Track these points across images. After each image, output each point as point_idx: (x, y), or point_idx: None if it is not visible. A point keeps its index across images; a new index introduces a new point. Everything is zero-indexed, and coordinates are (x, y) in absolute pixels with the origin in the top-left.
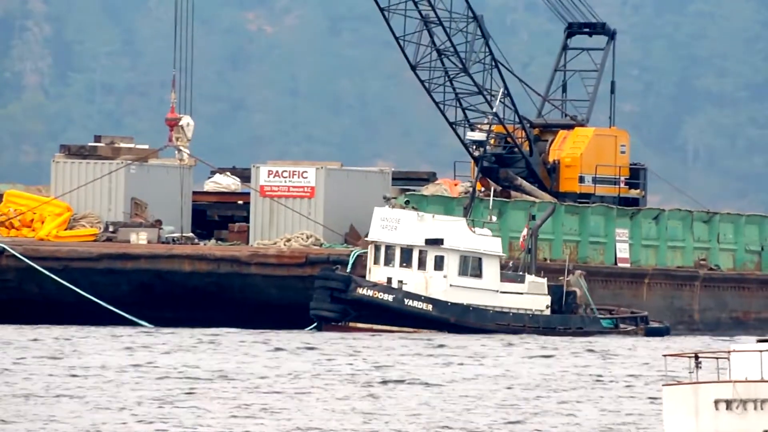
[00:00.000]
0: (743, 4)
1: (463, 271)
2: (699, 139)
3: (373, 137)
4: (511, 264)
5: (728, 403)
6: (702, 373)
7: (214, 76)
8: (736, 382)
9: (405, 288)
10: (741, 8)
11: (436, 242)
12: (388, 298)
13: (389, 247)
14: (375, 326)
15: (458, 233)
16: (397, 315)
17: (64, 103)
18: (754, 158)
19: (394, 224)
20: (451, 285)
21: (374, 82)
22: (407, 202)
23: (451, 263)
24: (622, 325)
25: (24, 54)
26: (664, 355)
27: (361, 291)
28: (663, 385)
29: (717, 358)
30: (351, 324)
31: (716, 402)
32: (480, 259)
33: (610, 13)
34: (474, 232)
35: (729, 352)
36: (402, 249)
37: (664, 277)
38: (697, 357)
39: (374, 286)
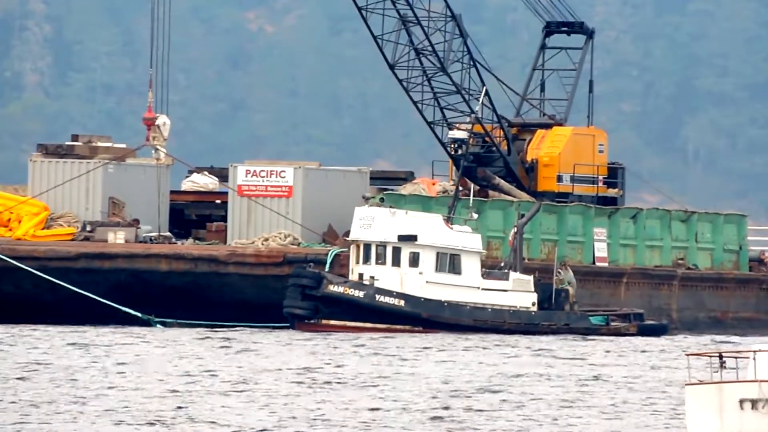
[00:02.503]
0: (743, 4)
1: (440, 268)
2: (699, 139)
3: (373, 137)
4: (502, 264)
5: (753, 403)
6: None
7: (214, 76)
8: (762, 381)
9: (379, 284)
10: (741, 8)
11: (409, 238)
12: (359, 294)
13: (367, 245)
14: (348, 323)
15: (434, 229)
16: (369, 311)
17: (64, 103)
18: (754, 158)
19: (369, 222)
20: (427, 281)
21: (374, 82)
22: (382, 200)
23: (427, 259)
24: (613, 323)
25: (24, 54)
26: (687, 355)
27: (332, 288)
28: (686, 385)
29: (737, 358)
30: (324, 321)
31: (741, 401)
32: (458, 255)
33: (611, 12)
34: (452, 228)
35: (754, 351)
36: (377, 246)
37: (642, 277)
38: (721, 356)
39: (345, 282)
